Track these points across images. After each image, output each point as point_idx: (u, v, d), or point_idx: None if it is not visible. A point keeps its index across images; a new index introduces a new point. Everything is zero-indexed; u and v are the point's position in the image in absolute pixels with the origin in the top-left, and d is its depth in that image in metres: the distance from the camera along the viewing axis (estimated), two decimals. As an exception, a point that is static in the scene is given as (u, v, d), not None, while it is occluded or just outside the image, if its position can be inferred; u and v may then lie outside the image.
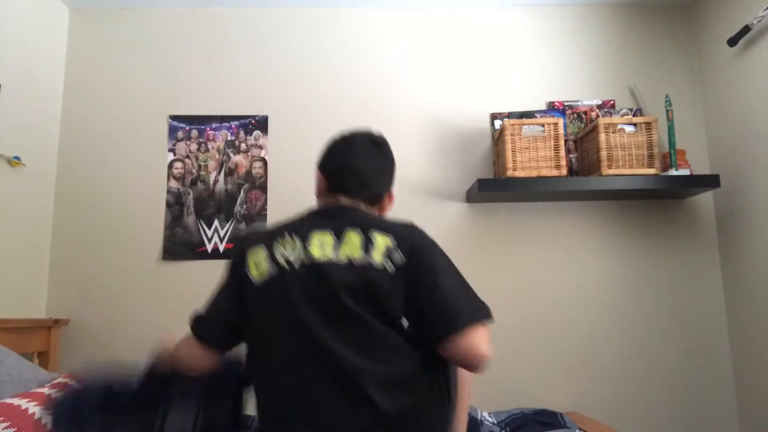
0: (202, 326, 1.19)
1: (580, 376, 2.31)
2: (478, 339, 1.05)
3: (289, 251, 1.13)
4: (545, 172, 2.20)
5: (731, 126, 2.31)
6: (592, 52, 2.54)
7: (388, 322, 1.09)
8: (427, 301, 1.09)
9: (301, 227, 1.17)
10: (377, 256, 1.09)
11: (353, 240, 1.11)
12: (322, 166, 1.31)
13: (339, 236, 1.12)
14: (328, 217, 1.18)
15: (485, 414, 2.02)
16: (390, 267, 1.09)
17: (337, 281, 1.07)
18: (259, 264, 1.14)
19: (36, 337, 2.10)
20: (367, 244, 1.10)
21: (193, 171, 2.43)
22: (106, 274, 2.34)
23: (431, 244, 1.15)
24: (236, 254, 1.19)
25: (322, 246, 1.12)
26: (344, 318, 1.06)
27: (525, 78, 2.53)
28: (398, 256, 1.10)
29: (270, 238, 1.17)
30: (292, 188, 2.41)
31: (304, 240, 1.13)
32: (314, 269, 1.09)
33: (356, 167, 1.25)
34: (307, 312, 1.07)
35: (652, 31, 2.56)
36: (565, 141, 2.42)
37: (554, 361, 2.32)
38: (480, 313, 1.10)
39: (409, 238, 1.13)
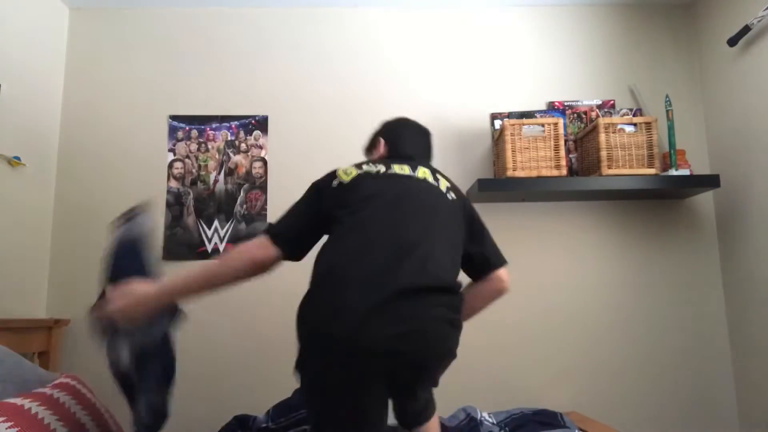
0: (279, 229, 1.37)
1: (580, 376, 2.32)
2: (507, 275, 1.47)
3: (372, 167, 1.40)
4: (545, 172, 2.20)
5: (731, 126, 2.32)
6: (592, 52, 2.54)
7: (454, 233, 1.36)
8: (481, 237, 1.46)
9: (383, 162, 1.43)
10: (442, 187, 1.41)
11: (426, 172, 1.42)
12: (383, 137, 1.60)
13: (414, 168, 1.41)
14: (401, 161, 1.45)
15: (485, 414, 2.03)
16: (450, 196, 1.40)
17: (415, 188, 1.35)
18: (348, 171, 1.39)
19: (36, 337, 2.10)
20: (435, 177, 1.43)
21: (193, 171, 2.43)
22: (106, 274, 2.33)
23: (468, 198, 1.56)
24: (325, 176, 1.42)
25: (401, 168, 1.40)
26: (430, 214, 1.31)
27: (525, 78, 2.53)
28: (453, 195, 1.42)
29: (360, 163, 1.44)
30: (292, 188, 2.40)
31: (387, 165, 1.41)
32: (394, 177, 1.37)
33: (411, 142, 1.57)
34: (389, 202, 1.29)
35: (652, 31, 2.56)
36: (565, 141, 2.42)
37: (554, 361, 2.32)
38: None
39: (456, 187, 1.49)
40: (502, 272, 1.46)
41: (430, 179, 1.40)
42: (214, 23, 2.54)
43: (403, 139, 1.57)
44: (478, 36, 2.56)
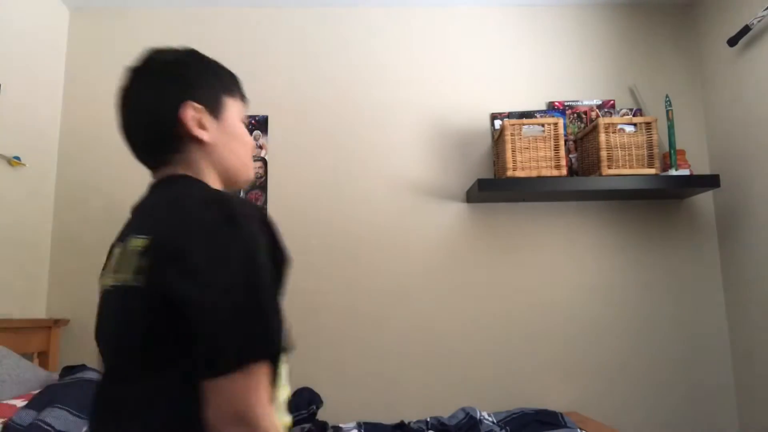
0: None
1: (580, 376, 2.31)
2: None
3: None
4: (545, 172, 2.20)
5: (731, 126, 2.31)
6: (592, 52, 2.54)
7: None
8: None
9: None
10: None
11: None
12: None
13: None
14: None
15: (485, 413, 2.02)
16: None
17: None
18: None
19: (36, 337, 2.10)
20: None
21: (193, 171, 2.42)
22: (106, 274, 2.33)
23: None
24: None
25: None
26: None
27: (525, 78, 2.52)
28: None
29: None
30: (292, 188, 2.41)
31: None
32: None
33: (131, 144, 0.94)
34: None
35: (652, 31, 2.56)
36: (565, 141, 2.42)
37: (554, 361, 2.32)
38: None
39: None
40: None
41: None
42: (214, 23, 2.54)
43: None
44: (478, 36, 2.56)
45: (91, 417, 0.82)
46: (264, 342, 0.70)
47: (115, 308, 0.79)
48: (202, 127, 0.87)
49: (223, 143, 0.89)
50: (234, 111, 0.94)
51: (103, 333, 0.83)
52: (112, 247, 0.88)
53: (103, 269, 0.90)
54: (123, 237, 0.83)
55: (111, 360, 0.79)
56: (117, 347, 0.77)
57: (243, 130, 0.95)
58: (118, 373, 0.77)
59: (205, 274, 0.68)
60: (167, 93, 0.88)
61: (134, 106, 0.91)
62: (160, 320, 0.70)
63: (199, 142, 0.86)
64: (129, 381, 0.75)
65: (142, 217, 0.83)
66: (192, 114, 0.86)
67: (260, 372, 0.69)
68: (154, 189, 0.90)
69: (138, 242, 0.75)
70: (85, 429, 1.47)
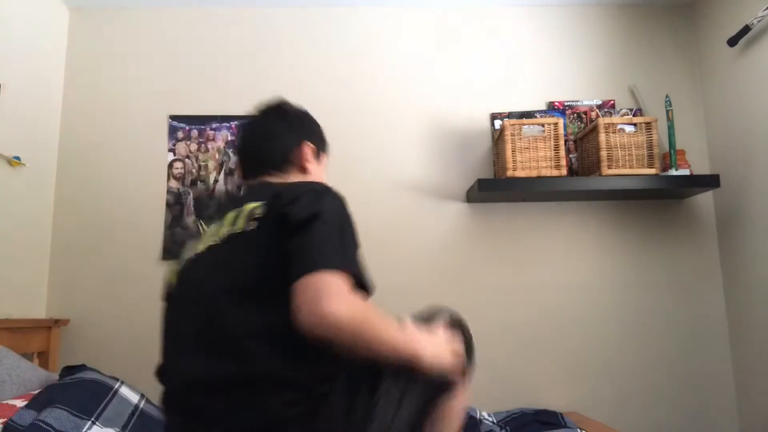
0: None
1: (580, 376, 2.31)
2: None
3: None
4: (545, 172, 2.20)
5: (731, 126, 2.31)
6: (592, 52, 2.54)
7: None
8: None
9: None
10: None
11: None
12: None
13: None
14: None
15: (484, 413, 2.03)
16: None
17: None
18: None
19: (36, 337, 2.10)
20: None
21: (193, 171, 2.43)
22: (106, 274, 2.33)
23: None
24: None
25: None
26: None
27: (525, 78, 2.52)
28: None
29: None
30: (292, 188, 2.41)
31: None
32: None
33: (245, 144, 1.32)
34: None
35: (652, 31, 2.56)
36: (565, 141, 2.42)
37: (554, 361, 2.32)
38: None
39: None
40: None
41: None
42: (214, 23, 2.54)
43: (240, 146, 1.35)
44: (478, 36, 2.56)
45: (196, 355, 0.97)
46: (347, 260, 0.95)
47: (227, 252, 1.03)
48: (308, 161, 1.27)
49: (312, 176, 1.27)
50: (324, 162, 1.37)
51: (210, 280, 1.02)
52: (205, 224, 1.19)
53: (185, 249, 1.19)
54: (219, 215, 1.14)
55: (223, 299, 0.97)
56: (232, 284, 0.98)
57: (325, 176, 1.33)
58: (230, 309, 0.96)
59: (312, 208, 0.97)
60: (295, 131, 1.30)
61: (264, 132, 1.29)
62: (272, 253, 0.96)
63: (302, 169, 1.26)
64: (244, 311, 0.95)
65: (253, 194, 1.11)
66: (307, 150, 1.28)
67: (343, 278, 0.90)
68: (258, 185, 1.21)
69: (252, 204, 1.05)
70: (88, 424, 1.47)
